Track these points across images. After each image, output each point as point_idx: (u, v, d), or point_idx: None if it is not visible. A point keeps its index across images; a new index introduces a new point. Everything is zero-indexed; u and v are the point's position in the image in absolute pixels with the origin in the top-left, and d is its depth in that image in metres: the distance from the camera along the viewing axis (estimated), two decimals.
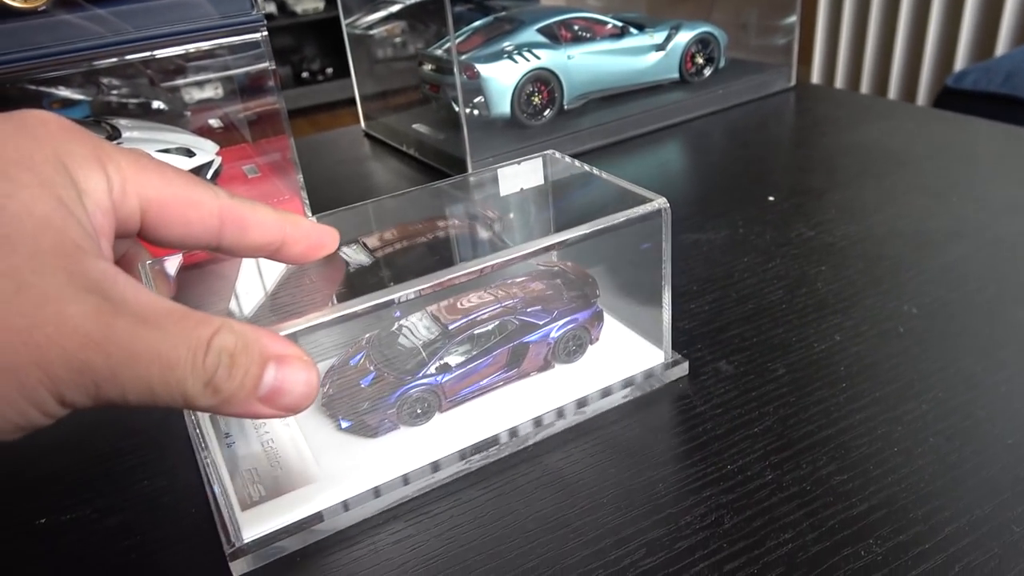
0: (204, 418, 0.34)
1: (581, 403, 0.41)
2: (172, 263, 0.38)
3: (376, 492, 0.37)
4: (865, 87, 2.30)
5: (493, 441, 0.39)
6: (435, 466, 0.38)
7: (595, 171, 0.44)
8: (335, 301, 0.34)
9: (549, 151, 0.47)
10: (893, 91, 2.21)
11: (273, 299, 0.39)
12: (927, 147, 0.75)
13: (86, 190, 0.26)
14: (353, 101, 1.04)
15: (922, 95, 2.14)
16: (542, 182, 0.47)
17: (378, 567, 0.34)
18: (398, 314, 0.41)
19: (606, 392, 0.42)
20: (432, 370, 0.40)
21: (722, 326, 0.49)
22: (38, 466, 0.43)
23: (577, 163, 0.46)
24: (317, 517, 0.37)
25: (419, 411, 0.41)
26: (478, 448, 0.39)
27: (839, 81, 2.36)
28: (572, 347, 0.44)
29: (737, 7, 1.06)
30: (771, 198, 0.67)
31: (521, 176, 0.45)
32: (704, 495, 0.36)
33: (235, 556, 0.35)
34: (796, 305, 0.51)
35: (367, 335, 0.43)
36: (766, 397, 0.43)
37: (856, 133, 0.80)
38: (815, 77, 2.43)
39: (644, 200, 0.39)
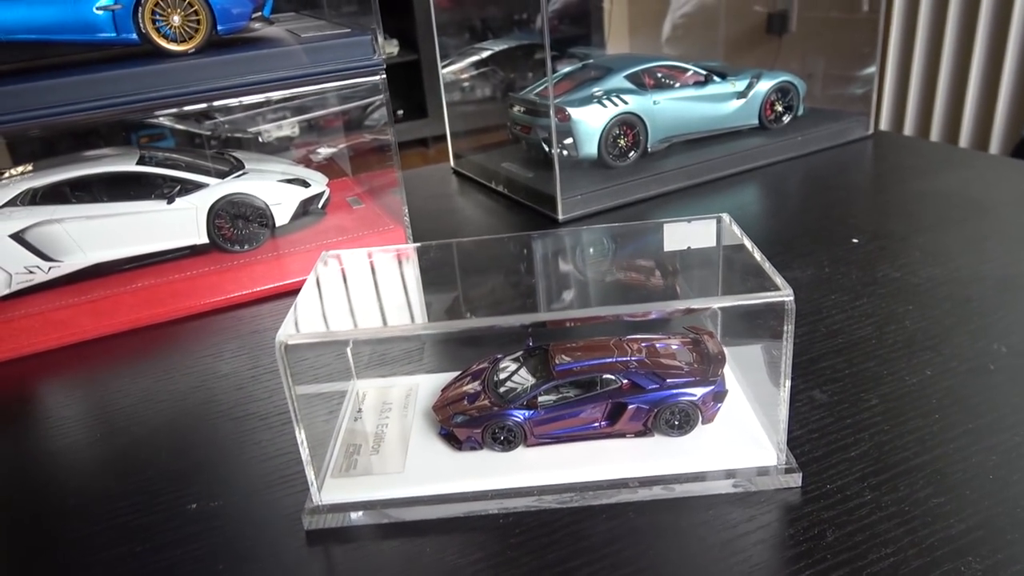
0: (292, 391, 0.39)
1: (669, 479, 0.41)
2: None
3: (445, 499, 0.41)
4: (935, 135, 2.28)
5: (567, 488, 0.41)
6: (505, 493, 0.41)
7: (747, 244, 0.44)
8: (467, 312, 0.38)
9: (724, 214, 0.48)
10: (964, 139, 2.20)
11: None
12: (1007, 195, 0.76)
13: None
14: (422, 142, 1.10)
15: (995, 144, 2.12)
16: (713, 243, 0.48)
17: (422, 566, 0.38)
18: (530, 342, 0.45)
19: (699, 477, 0.41)
20: (523, 405, 0.43)
21: (814, 358, 0.52)
22: (184, 457, 0.48)
23: (739, 231, 0.46)
24: (393, 502, 0.41)
25: (502, 438, 0.43)
26: (551, 490, 0.41)
27: (908, 128, 2.36)
28: (676, 421, 0.43)
29: (816, 57, 1.09)
30: (855, 240, 0.69)
31: (691, 235, 0.48)
32: (805, 511, 0.39)
33: (308, 512, 0.41)
34: (886, 341, 0.53)
35: (501, 355, 0.46)
36: (861, 424, 0.45)
37: (935, 180, 0.82)
38: (884, 124, 2.43)
39: (772, 286, 0.39)
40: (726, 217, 0.47)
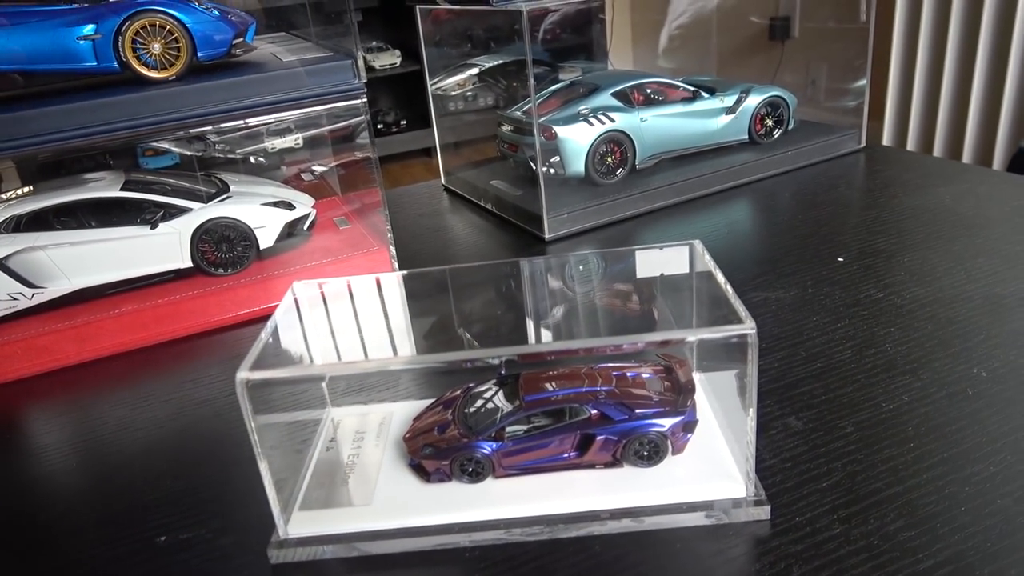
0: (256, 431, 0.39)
1: (638, 511, 0.41)
2: None
3: (413, 532, 0.41)
4: (938, 149, 2.27)
5: (535, 521, 0.41)
6: (472, 526, 0.41)
7: (716, 274, 0.44)
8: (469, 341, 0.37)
9: (696, 241, 0.48)
10: (967, 154, 2.18)
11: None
12: (998, 211, 0.76)
13: None
14: (426, 151, 1.10)
15: (998, 159, 2.11)
16: (686, 270, 0.47)
17: None
18: (502, 370, 0.45)
19: (668, 509, 0.41)
20: (491, 436, 0.43)
21: (791, 383, 0.51)
22: (156, 488, 0.48)
23: (709, 260, 0.45)
24: (359, 536, 0.41)
25: (471, 470, 0.43)
26: (518, 523, 0.41)
27: (911, 143, 2.34)
28: (645, 452, 0.43)
29: (807, 68, 1.09)
30: (840, 259, 0.69)
31: (664, 262, 0.47)
32: (772, 545, 0.38)
33: (274, 546, 0.40)
34: (865, 365, 0.52)
35: (474, 383, 0.46)
36: (835, 453, 0.44)
37: (926, 196, 0.81)
38: (886, 138, 2.41)
39: (736, 319, 0.38)
40: (698, 244, 0.47)
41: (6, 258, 0.64)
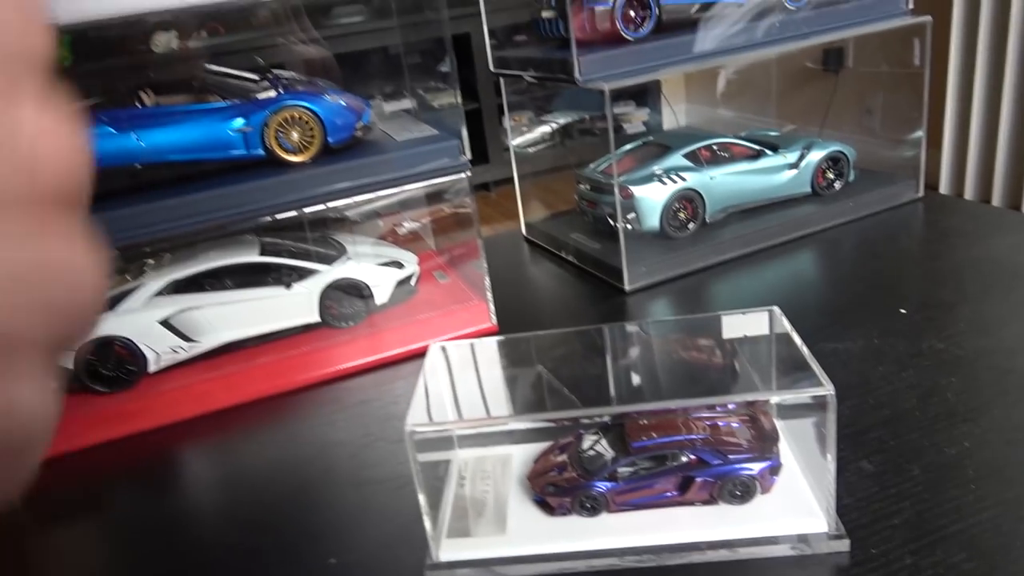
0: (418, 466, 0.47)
1: (733, 543, 0.48)
2: None
3: (542, 559, 0.49)
4: (997, 199, 2.27)
5: (645, 550, 0.49)
6: (592, 554, 0.49)
7: (795, 339, 0.51)
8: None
9: (775, 307, 0.55)
10: None
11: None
12: None
13: None
14: (484, 186, 1.19)
15: None
16: (766, 332, 0.55)
17: None
18: (607, 419, 0.53)
19: (759, 542, 0.47)
20: (605, 477, 0.51)
21: (862, 429, 0.58)
22: (313, 519, 0.57)
23: (787, 324, 0.52)
24: (498, 561, 0.49)
25: (588, 506, 0.51)
26: (633, 551, 0.49)
27: (968, 191, 2.35)
28: (738, 492, 0.50)
29: (862, 97, 1.14)
30: (903, 311, 0.75)
31: (745, 325, 0.55)
32: (852, 573, 0.45)
33: (428, 568, 0.49)
34: (928, 413, 0.59)
35: (582, 430, 0.54)
36: (904, 493, 0.51)
37: (985, 246, 0.87)
38: (944, 184, 2.42)
39: (816, 382, 0.45)
40: (776, 310, 0.55)
41: (169, 316, 0.75)
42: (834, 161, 1.02)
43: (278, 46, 1.08)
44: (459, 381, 0.56)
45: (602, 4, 0.87)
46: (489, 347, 0.60)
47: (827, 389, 0.44)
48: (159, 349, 0.75)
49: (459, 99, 0.80)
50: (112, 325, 0.72)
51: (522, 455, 0.58)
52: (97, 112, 0.70)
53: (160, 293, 0.75)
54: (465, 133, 0.77)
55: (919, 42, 1.01)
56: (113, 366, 0.73)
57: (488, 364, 0.58)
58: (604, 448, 0.53)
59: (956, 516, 0.48)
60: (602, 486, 0.51)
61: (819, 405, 0.46)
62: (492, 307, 0.83)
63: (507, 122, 1.14)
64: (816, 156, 1.01)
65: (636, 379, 0.58)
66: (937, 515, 0.49)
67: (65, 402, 0.63)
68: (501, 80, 1.07)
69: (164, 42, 1.22)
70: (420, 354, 0.55)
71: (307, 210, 0.73)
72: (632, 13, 0.88)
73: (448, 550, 0.50)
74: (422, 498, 0.48)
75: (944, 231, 0.93)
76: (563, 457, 0.54)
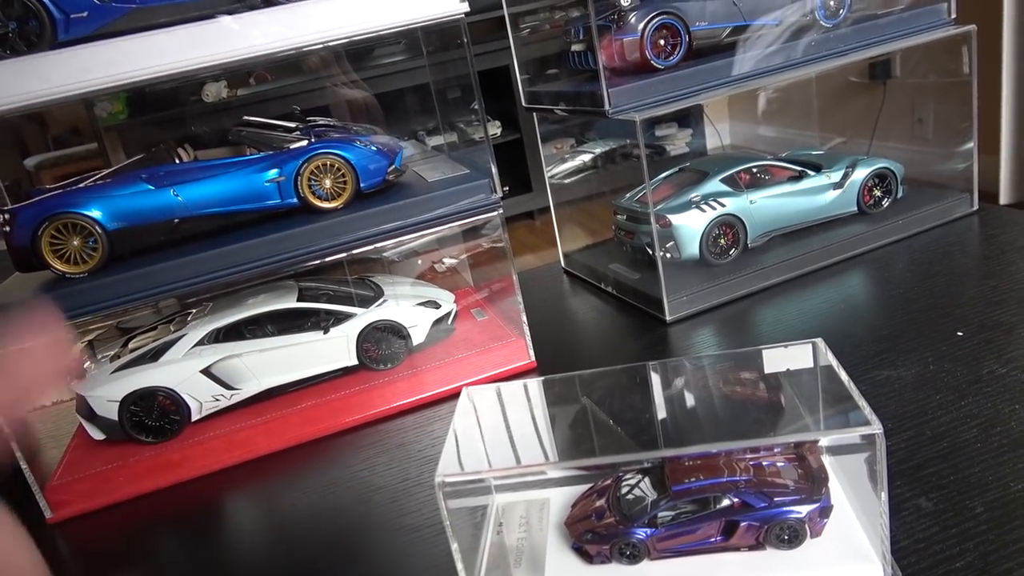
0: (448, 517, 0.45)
1: None
2: None
3: None
4: None
5: None
6: None
7: (841, 374, 0.48)
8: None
9: (818, 339, 0.53)
10: None
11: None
12: None
13: None
14: (528, 215, 1.18)
15: None
16: (810, 365, 0.53)
17: None
18: (647, 464, 0.51)
19: None
20: (645, 523, 0.49)
21: (919, 463, 0.55)
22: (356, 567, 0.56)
23: (832, 357, 0.50)
24: None
25: (628, 554, 0.49)
26: None
27: None
28: (786, 536, 0.47)
29: (912, 107, 1.10)
30: (960, 333, 0.71)
31: (788, 359, 0.53)
32: None
33: None
34: (991, 444, 0.55)
35: (620, 473, 0.52)
36: (966, 534, 0.48)
37: None
38: (1004, 196, 2.33)
39: (863, 420, 0.43)
40: (820, 342, 0.52)
41: (210, 366, 0.76)
42: (881, 178, 0.99)
43: (323, 90, 1.10)
44: (493, 425, 0.55)
45: (631, 35, 0.87)
46: (524, 389, 0.58)
47: (875, 428, 0.42)
48: (201, 398, 0.76)
49: (488, 136, 0.79)
50: (155, 376, 0.74)
51: (560, 499, 0.56)
52: (137, 171, 0.72)
53: (201, 342, 0.76)
54: (495, 170, 0.77)
55: (966, 50, 0.98)
56: (157, 417, 0.74)
57: (522, 406, 0.57)
58: (644, 491, 0.51)
59: None
60: (642, 532, 0.49)
61: (868, 443, 0.43)
62: (530, 343, 0.82)
63: (542, 155, 1.13)
64: (861, 174, 0.98)
65: (677, 418, 0.56)
66: (1003, 557, 0.45)
67: (110, 454, 0.64)
68: (534, 117, 1.07)
69: (215, 92, 1.26)
70: (459, 394, 0.55)
71: (342, 254, 0.73)
72: (662, 42, 0.88)
73: None
74: (455, 547, 0.47)
75: (1001, 246, 0.89)
76: (601, 502, 0.52)
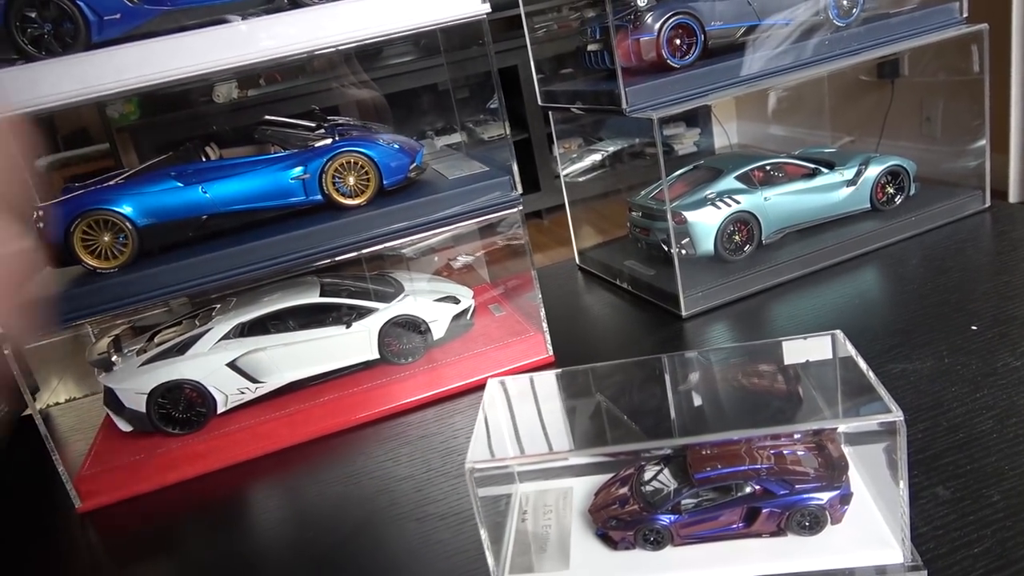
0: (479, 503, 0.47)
1: None
2: None
3: None
4: None
5: None
6: None
7: (860, 364, 0.50)
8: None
9: (838, 331, 0.54)
10: None
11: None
12: None
13: None
14: (537, 214, 1.19)
15: None
16: (829, 356, 0.54)
17: None
18: (668, 450, 0.53)
19: (832, 575, 0.46)
20: (668, 509, 0.50)
21: (936, 453, 0.56)
22: (380, 553, 0.58)
23: (851, 348, 0.51)
24: None
25: (652, 540, 0.50)
26: None
27: None
28: (807, 522, 0.48)
29: (920, 106, 1.11)
30: (974, 327, 0.72)
31: (807, 350, 0.54)
32: None
33: None
34: (1007, 435, 0.56)
35: (643, 462, 0.54)
36: (984, 521, 0.49)
37: None
38: (1013, 195, 2.33)
39: (884, 408, 0.44)
40: (839, 334, 0.53)
41: (236, 359, 0.77)
42: (893, 176, 1.00)
43: (332, 90, 1.12)
44: (518, 415, 0.56)
45: (647, 34, 0.88)
46: (547, 380, 0.60)
47: (896, 415, 0.43)
48: (227, 391, 0.77)
49: (508, 134, 0.81)
50: (182, 369, 0.75)
51: (583, 488, 0.57)
52: (166, 168, 0.73)
53: (227, 336, 0.77)
54: (515, 167, 0.78)
55: (977, 49, 0.98)
56: (184, 409, 0.76)
57: (547, 397, 0.58)
58: (666, 480, 0.52)
59: None
60: (665, 519, 0.50)
61: (888, 431, 0.44)
62: (548, 338, 0.83)
63: (556, 153, 1.14)
64: (874, 171, 0.99)
65: (697, 408, 0.57)
66: (1021, 543, 0.47)
67: (137, 445, 0.66)
68: (549, 112, 1.09)
69: (225, 93, 1.27)
70: (478, 387, 0.56)
71: (366, 250, 0.75)
72: (678, 41, 0.89)
73: None
74: (484, 534, 0.48)
75: (1014, 242, 0.90)
76: (624, 489, 0.53)
